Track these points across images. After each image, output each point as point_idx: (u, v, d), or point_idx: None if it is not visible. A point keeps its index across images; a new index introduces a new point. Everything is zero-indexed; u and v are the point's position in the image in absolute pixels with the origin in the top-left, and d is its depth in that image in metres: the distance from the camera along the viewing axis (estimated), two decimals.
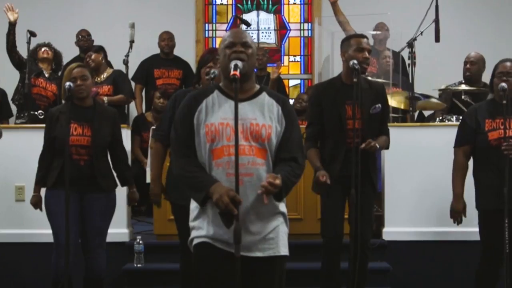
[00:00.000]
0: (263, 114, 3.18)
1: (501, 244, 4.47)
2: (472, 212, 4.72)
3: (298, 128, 3.30)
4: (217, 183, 3.07)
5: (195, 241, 3.21)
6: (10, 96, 7.30)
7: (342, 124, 4.58)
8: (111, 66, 7.34)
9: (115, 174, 4.98)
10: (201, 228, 3.18)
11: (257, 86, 3.28)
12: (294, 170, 3.19)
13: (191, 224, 3.25)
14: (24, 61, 6.93)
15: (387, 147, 4.82)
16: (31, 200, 4.93)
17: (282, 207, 3.25)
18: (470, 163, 4.76)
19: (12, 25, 6.80)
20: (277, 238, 3.20)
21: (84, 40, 7.88)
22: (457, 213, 4.74)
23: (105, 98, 6.74)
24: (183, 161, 3.19)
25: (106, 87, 7.03)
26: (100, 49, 7.23)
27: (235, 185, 3.00)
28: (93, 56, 7.04)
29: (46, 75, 7.04)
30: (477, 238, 4.71)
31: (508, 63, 4.61)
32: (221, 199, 2.98)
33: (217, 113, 3.16)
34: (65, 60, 7.25)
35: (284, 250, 3.24)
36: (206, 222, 3.17)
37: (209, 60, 4.53)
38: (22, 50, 6.83)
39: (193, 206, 3.24)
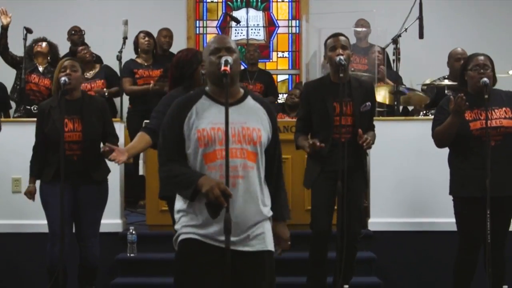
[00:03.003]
0: (251, 118, 3.19)
1: (479, 232, 4.50)
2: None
3: (279, 142, 3.37)
4: (204, 176, 3.05)
5: (182, 237, 3.17)
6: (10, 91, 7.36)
7: (329, 121, 4.68)
8: (97, 62, 7.43)
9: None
10: (188, 226, 3.15)
11: (242, 90, 3.27)
12: (283, 190, 3.45)
13: (177, 226, 3.22)
14: (18, 59, 6.97)
15: (374, 142, 4.83)
16: (26, 190, 4.98)
17: (268, 212, 3.26)
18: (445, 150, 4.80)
19: (4, 29, 6.82)
20: (264, 234, 3.20)
21: (78, 35, 7.89)
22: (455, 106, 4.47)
23: (105, 90, 6.90)
24: (170, 164, 3.17)
25: (99, 81, 7.17)
26: (87, 46, 7.37)
27: (225, 184, 2.98)
28: (87, 52, 7.21)
29: (41, 70, 7.02)
30: None
31: (481, 57, 4.65)
32: (212, 190, 2.94)
33: (207, 118, 3.13)
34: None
35: (271, 246, 3.25)
36: (190, 218, 3.15)
37: (201, 59, 4.65)
38: (19, 47, 6.90)
39: (178, 206, 3.22)
